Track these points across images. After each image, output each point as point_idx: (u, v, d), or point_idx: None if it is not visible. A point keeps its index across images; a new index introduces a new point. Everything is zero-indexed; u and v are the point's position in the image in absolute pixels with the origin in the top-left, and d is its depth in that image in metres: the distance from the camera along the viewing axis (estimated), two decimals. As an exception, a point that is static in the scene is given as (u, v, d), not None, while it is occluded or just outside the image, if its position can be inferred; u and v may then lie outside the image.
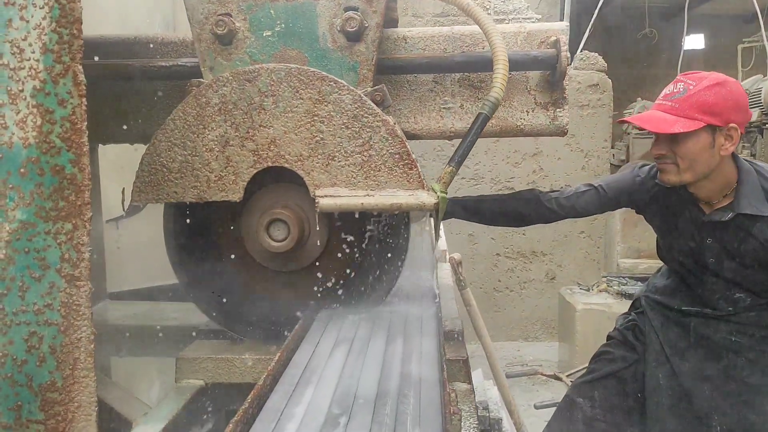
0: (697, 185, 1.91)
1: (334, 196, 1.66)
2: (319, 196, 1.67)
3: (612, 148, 6.43)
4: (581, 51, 6.03)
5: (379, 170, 1.69)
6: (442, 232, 3.60)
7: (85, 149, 1.31)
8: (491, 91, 1.78)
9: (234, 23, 1.80)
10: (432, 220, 1.82)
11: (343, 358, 1.51)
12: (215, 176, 1.71)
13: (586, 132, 5.92)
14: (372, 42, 1.82)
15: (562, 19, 6.82)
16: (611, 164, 6.27)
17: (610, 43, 9.17)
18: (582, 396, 2.24)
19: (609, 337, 2.37)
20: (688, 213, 2.00)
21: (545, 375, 4.27)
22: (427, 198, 1.66)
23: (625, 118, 1.95)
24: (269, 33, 1.82)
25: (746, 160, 1.97)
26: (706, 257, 1.97)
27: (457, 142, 1.91)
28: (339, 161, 1.70)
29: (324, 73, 1.70)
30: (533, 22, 5.51)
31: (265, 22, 1.82)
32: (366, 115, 1.69)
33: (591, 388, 2.24)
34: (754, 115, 5.71)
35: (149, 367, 3.04)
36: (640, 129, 2.00)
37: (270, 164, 1.71)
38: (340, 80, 1.70)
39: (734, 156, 1.93)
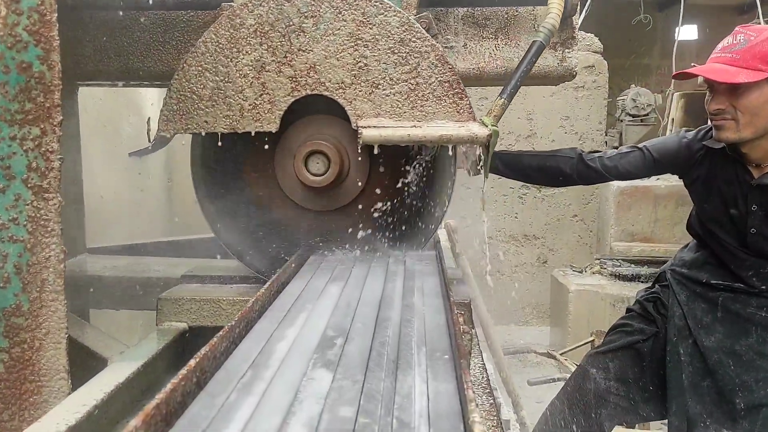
0: (753, 144, 1.82)
1: (377, 127, 1.53)
2: (361, 127, 1.54)
3: (605, 135, 6.35)
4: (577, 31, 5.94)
5: (427, 100, 1.57)
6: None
7: (55, 44, 1.18)
8: (547, 17, 1.70)
9: None
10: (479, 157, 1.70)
11: (339, 291, 1.39)
12: (249, 104, 1.58)
13: (581, 114, 5.84)
14: None
15: None
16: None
17: (605, 31, 9.09)
18: (596, 367, 2.13)
19: (628, 310, 2.26)
20: (735, 177, 1.90)
21: (538, 353, 4.18)
22: (479, 129, 1.54)
23: (686, 70, 1.85)
24: None
25: None
26: (747, 226, 1.88)
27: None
28: (384, 89, 1.57)
29: None
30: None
31: None
32: (414, 39, 1.56)
33: (606, 359, 2.13)
34: None
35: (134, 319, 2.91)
36: (706, 80, 1.83)
37: (309, 92, 1.58)
38: (386, 1, 1.56)
39: None
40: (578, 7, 1.91)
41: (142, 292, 2.05)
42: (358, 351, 1.02)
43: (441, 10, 1.99)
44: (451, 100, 1.58)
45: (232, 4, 1.67)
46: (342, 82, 1.57)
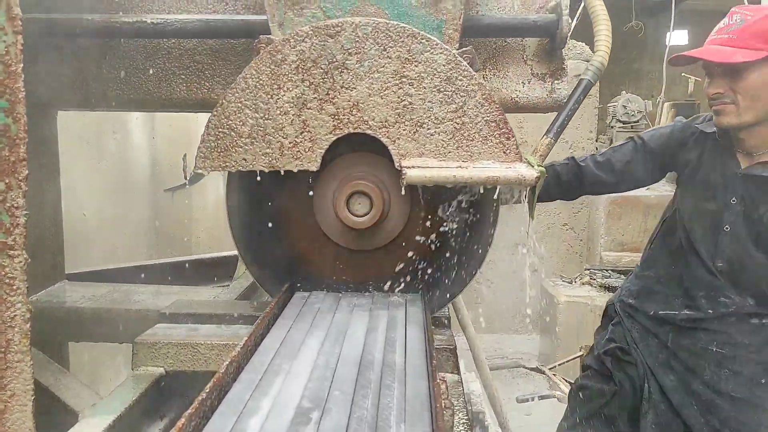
0: (751, 130, 1.73)
1: (422, 167, 1.48)
2: (405, 167, 1.49)
3: (596, 141, 6.34)
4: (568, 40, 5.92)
5: (473, 140, 1.52)
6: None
7: (20, 96, 1.13)
8: (595, 54, 1.67)
9: None
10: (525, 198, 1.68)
11: (318, 345, 1.34)
12: (290, 142, 1.53)
13: (571, 123, 5.74)
14: None
15: None
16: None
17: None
18: None
19: (585, 367, 2.18)
20: (722, 164, 1.82)
21: (527, 368, 4.15)
22: (527, 171, 1.48)
23: (681, 54, 1.78)
24: None
25: None
26: (723, 222, 1.80)
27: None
28: (428, 128, 1.52)
29: (415, 29, 1.52)
30: None
31: None
32: (460, 77, 1.51)
33: None
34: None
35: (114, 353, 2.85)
36: (703, 64, 1.76)
37: (351, 130, 1.52)
38: (432, 38, 1.51)
39: None
40: (568, 36, 1.86)
41: (120, 328, 1.99)
42: (334, 430, 0.98)
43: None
44: (497, 140, 1.53)
45: (271, 37, 1.61)
46: (386, 121, 1.53)
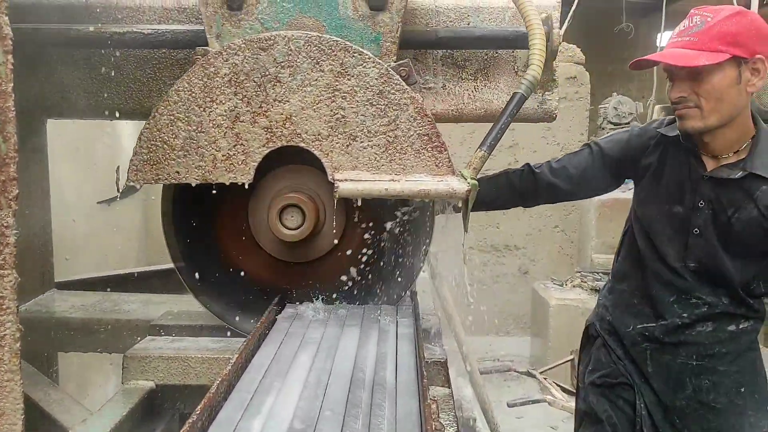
0: (716, 133, 1.70)
1: (354, 180, 1.49)
2: (338, 180, 1.50)
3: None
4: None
5: (406, 153, 1.53)
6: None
7: (10, 115, 1.12)
8: (528, 68, 1.64)
9: None
10: (460, 210, 1.66)
11: (310, 361, 1.34)
12: (223, 155, 1.53)
13: (562, 125, 5.82)
14: (397, 11, 1.65)
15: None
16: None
17: (586, 38, 9.11)
18: None
19: (582, 415, 2.02)
20: (686, 168, 1.78)
21: (518, 372, 4.16)
22: (458, 185, 1.50)
23: (642, 57, 1.75)
24: None
25: None
26: (691, 226, 1.76)
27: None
28: (361, 142, 1.53)
29: (347, 43, 1.53)
30: None
31: None
32: (393, 91, 1.52)
33: None
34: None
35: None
36: (665, 67, 1.70)
37: (285, 143, 1.53)
38: (364, 51, 1.53)
39: (751, 110, 1.75)
40: (558, 48, 1.87)
41: (110, 338, 1.98)
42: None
43: (419, 51, 1.94)
44: (430, 154, 1.54)
45: (207, 48, 1.61)
46: (319, 134, 1.53)
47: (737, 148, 1.72)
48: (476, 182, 1.57)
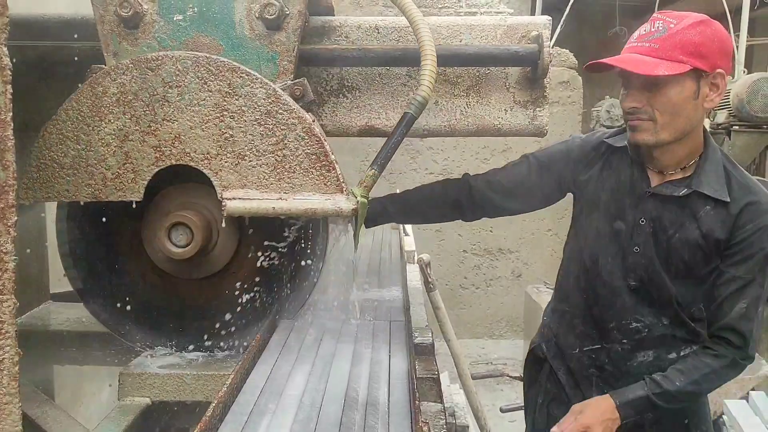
0: (665, 148, 1.58)
1: (243, 199, 1.53)
2: (226, 199, 1.53)
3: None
4: (552, 47, 5.96)
5: (294, 172, 1.56)
6: (410, 231, 3.49)
7: (9, 144, 1.13)
8: (418, 89, 1.64)
9: (141, 5, 1.64)
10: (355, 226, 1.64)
11: (304, 381, 1.36)
12: (112, 174, 1.56)
13: (555, 130, 5.84)
14: (293, 31, 1.68)
15: (532, 14, 6.75)
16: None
17: (579, 41, 9.16)
18: None
19: None
20: (631, 182, 1.66)
21: (511, 377, 4.19)
22: (345, 203, 1.53)
23: (599, 60, 1.60)
24: (180, 17, 1.66)
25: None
26: (631, 244, 1.64)
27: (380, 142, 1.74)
28: (250, 161, 1.56)
29: (235, 63, 1.56)
30: (506, 16, 5.41)
31: (175, 4, 1.66)
32: (281, 111, 1.55)
33: None
34: (722, 116, 5.73)
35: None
36: (621, 73, 1.57)
37: (174, 162, 1.56)
38: (252, 72, 1.56)
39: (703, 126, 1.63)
40: (549, 66, 1.90)
41: (106, 351, 2.00)
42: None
43: (412, 68, 1.96)
44: (318, 173, 1.57)
45: (102, 66, 1.63)
46: (208, 153, 1.56)
47: (685, 164, 1.62)
48: (365, 200, 1.59)
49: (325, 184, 1.56)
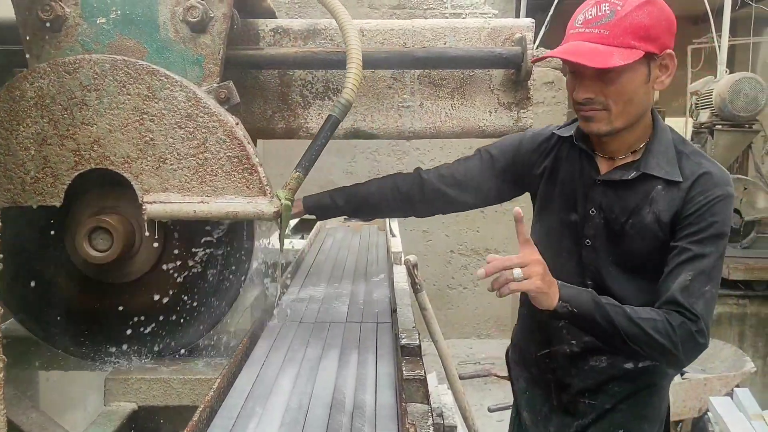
0: (616, 135, 1.51)
1: (164, 203, 1.53)
2: (147, 202, 1.53)
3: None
4: (537, 48, 6.00)
5: (216, 175, 1.56)
6: (396, 231, 3.49)
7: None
8: (343, 91, 1.65)
9: (63, 8, 1.63)
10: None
11: (291, 384, 1.37)
12: (31, 178, 1.55)
13: (541, 125, 5.89)
14: (218, 34, 1.68)
15: (517, 16, 6.79)
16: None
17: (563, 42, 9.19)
18: None
19: None
20: (580, 171, 1.59)
21: (499, 376, 4.21)
22: (266, 206, 1.54)
23: (547, 54, 1.52)
24: (103, 20, 1.66)
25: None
26: (583, 236, 1.56)
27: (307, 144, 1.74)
28: (171, 164, 1.55)
29: (154, 66, 1.55)
30: (490, 17, 5.44)
31: (99, 7, 1.65)
32: (201, 114, 1.54)
33: None
34: (705, 116, 5.79)
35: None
36: (569, 63, 1.44)
37: (93, 166, 1.55)
38: (172, 75, 1.55)
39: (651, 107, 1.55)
40: (532, 69, 1.91)
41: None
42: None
43: (398, 71, 1.97)
44: (240, 175, 1.56)
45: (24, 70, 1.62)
46: (128, 156, 1.56)
47: (635, 148, 1.54)
48: (290, 203, 1.60)
49: (247, 187, 1.55)
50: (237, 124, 1.57)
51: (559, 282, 1.38)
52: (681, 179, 1.45)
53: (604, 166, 1.56)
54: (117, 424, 1.53)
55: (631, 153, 1.53)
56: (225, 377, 1.36)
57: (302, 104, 1.99)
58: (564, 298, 1.37)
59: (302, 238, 3.59)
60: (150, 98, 1.53)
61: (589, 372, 1.58)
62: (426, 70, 1.98)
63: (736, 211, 5.59)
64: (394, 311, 1.90)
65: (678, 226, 1.45)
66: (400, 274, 2.94)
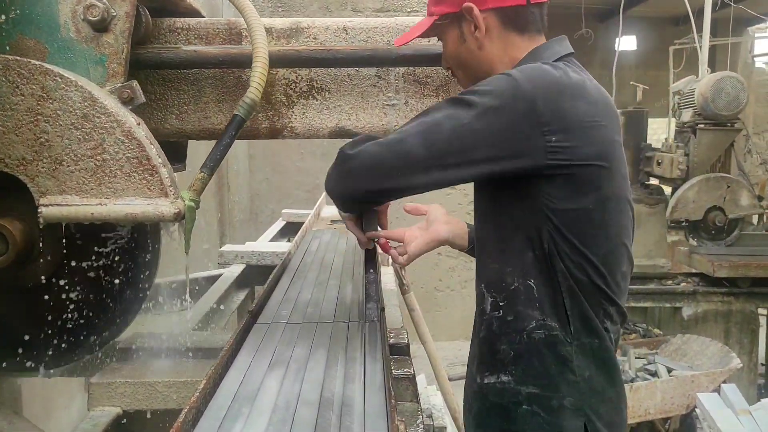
0: None
1: (60, 205, 1.49)
2: (43, 205, 1.49)
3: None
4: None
5: (115, 176, 1.51)
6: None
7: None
8: (248, 91, 1.62)
9: None
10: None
11: (278, 385, 1.35)
12: None
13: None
14: (122, 33, 1.64)
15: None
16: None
17: (547, 43, 9.26)
18: None
19: None
20: None
21: (488, 377, 4.21)
22: (167, 207, 1.50)
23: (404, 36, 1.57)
24: (2, 19, 1.61)
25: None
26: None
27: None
28: (68, 166, 1.51)
29: (48, 66, 1.51)
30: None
31: None
32: (98, 114, 1.50)
33: None
34: (687, 115, 5.84)
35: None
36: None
37: None
38: (66, 75, 1.51)
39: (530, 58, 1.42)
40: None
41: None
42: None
43: (382, 69, 1.96)
44: (141, 177, 1.53)
45: None
46: (23, 158, 1.52)
47: None
48: (193, 203, 1.58)
49: (148, 189, 1.52)
50: (138, 124, 1.53)
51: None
52: None
53: None
54: (101, 430, 1.51)
55: None
56: (211, 378, 1.33)
57: (286, 103, 1.97)
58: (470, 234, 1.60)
59: (288, 240, 3.57)
60: (44, 99, 1.48)
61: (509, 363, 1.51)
62: (411, 69, 1.97)
63: (720, 209, 5.64)
64: (382, 311, 1.89)
65: None
66: (388, 275, 2.94)
